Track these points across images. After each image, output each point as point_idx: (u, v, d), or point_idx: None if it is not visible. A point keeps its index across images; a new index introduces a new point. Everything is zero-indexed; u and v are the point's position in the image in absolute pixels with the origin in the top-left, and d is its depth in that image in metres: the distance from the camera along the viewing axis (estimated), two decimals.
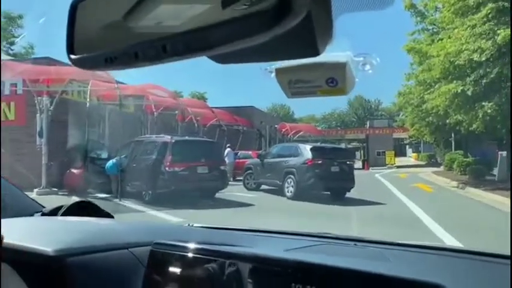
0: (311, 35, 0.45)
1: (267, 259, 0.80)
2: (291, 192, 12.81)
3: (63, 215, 1.28)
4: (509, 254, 0.93)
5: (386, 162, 36.55)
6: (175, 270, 0.85)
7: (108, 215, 1.37)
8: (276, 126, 30.59)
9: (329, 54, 0.57)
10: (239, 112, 25.23)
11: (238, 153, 20.36)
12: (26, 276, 0.81)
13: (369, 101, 67.60)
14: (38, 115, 13.60)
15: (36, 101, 13.45)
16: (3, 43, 34.34)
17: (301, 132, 32.32)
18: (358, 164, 28.48)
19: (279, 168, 13.46)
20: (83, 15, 0.50)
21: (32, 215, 1.32)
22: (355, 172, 13.97)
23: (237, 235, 1.25)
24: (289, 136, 30.80)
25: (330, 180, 12.31)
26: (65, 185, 13.49)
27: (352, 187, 12.88)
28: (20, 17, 36.65)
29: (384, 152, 38.42)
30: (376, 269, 0.73)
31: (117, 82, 15.60)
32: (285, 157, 13.71)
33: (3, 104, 15.06)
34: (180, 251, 0.86)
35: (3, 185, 1.31)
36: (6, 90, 14.94)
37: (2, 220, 0.84)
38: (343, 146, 28.46)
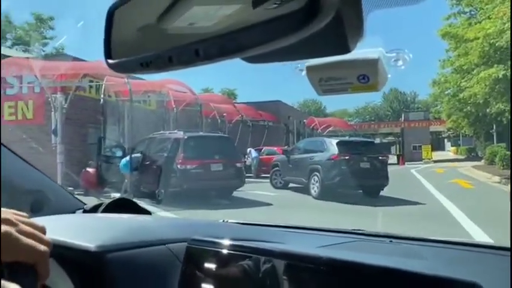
0: (341, 33, 0.45)
1: (301, 256, 0.76)
2: (316, 190, 11.75)
3: (102, 212, 1.31)
4: None
5: (423, 157, 34.92)
6: (210, 266, 0.84)
7: (146, 212, 1.38)
8: (304, 121, 29.60)
9: (360, 51, 0.58)
10: (265, 107, 24.38)
11: (262, 150, 19.59)
12: (68, 270, 0.83)
13: (405, 94, 65.41)
14: (52, 113, 13.33)
15: (50, 99, 13.16)
16: (35, 44, 34.95)
17: (331, 127, 31.17)
18: (393, 159, 27.26)
19: (304, 164, 12.44)
20: (119, 21, 0.52)
21: (73, 212, 1.37)
22: (389, 168, 12.63)
23: (270, 231, 1.25)
24: (318, 131, 29.77)
25: (359, 178, 11.07)
26: (80, 184, 13.16)
27: (385, 185, 11.52)
28: (51, 18, 37.27)
29: (420, 146, 36.78)
30: (411, 266, 0.69)
31: (135, 78, 15.18)
32: (310, 152, 12.64)
33: (21, 103, 14.92)
34: (215, 247, 0.85)
35: (47, 182, 1.38)
36: (24, 89, 14.77)
37: (46, 217, 1.05)
38: (376, 140, 27.14)
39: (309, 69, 0.63)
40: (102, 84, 14.49)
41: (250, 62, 0.51)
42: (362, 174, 11.30)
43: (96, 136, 13.95)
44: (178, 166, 10.77)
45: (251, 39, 0.42)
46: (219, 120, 20.00)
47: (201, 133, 12.23)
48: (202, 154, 10.89)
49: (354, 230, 1.28)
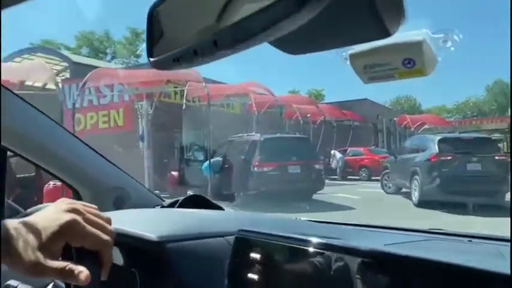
0: (379, 16, 0.44)
1: (359, 250, 0.73)
2: (416, 196, 10.20)
3: (178, 207, 1.37)
4: None
5: None
6: (255, 256, 0.85)
7: (219, 208, 1.41)
8: (394, 119, 27.90)
9: (403, 34, 0.57)
10: (351, 106, 23.39)
11: (348, 151, 18.77)
12: (131, 258, 0.92)
13: None
14: (139, 119, 13.95)
15: (136, 106, 13.79)
16: (131, 56, 37.57)
17: (426, 125, 29.01)
18: None
19: (406, 166, 10.99)
20: (157, 21, 0.54)
21: (153, 207, 1.44)
22: None
23: (337, 229, 1.23)
24: (411, 130, 27.89)
25: (467, 183, 9.18)
26: (166, 188, 13.60)
27: (506, 190, 9.24)
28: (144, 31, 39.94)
29: None
30: (488, 266, 0.64)
31: (216, 82, 15.41)
32: (415, 152, 11.15)
33: (113, 112, 15.87)
34: (263, 238, 0.86)
35: (128, 180, 1.50)
36: (115, 98, 15.71)
37: (123, 210, 1.27)
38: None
39: (353, 56, 0.63)
40: (184, 90, 14.89)
41: (290, 53, 0.52)
42: (468, 178, 9.44)
43: (180, 140, 14.36)
44: (255, 168, 10.63)
45: (255, 26, 0.42)
46: (302, 122, 19.56)
47: (278, 134, 11.93)
48: (279, 156, 10.62)
49: (432, 229, 1.22)
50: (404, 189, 11.69)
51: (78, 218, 0.71)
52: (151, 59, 0.54)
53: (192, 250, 0.91)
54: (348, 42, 0.53)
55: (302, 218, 1.46)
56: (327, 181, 13.43)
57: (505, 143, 38.94)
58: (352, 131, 21.84)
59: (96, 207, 0.80)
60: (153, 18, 0.55)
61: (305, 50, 0.52)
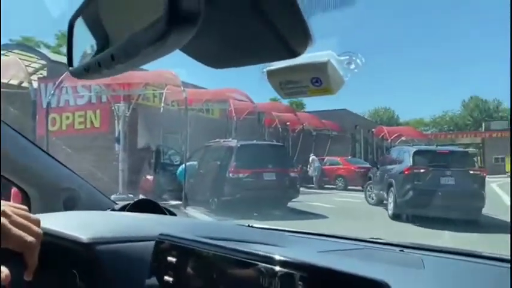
0: (285, 38, 0.48)
1: (270, 258, 0.73)
2: (391, 209, 10.03)
3: (128, 211, 1.36)
4: None
5: (507, 170, 31.96)
6: (172, 261, 0.87)
7: (171, 213, 1.40)
8: (372, 130, 28.29)
9: (311, 54, 0.60)
10: (330, 116, 23.57)
11: (325, 160, 18.90)
12: (60, 259, 0.93)
13: (487, 102, 60.68)
14: (116, 121, 13.78)
15: (113, 108, 13.62)
16: None
17: (403, 137, 29.49)
18: None
19: (384, 178, 10.94)
20: (75, 33, 0.57)
21: (105, 210, 1.43)
22: None
23: (276, 235, 1.24)
24: (389, 141, 28.29)
25: (438, 197, 9.09)
26: (140, 191, 13.42)
27: (481, 206, 9.16)
28: None
29: (504, 158, 33.74)
30: (375, 273, 0.64)
31: (196, 87, 15.36)
32: (393, 163, 11.00)
33: (90, 112, 15.64)
34: (181, 243, 0.87)
35: (80, 182, 1.47)
36: (93, 98, 15.48)
37: (75, 212, 1.29)
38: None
39: (269, 73, 0.66)
40: (163, 93, 14.79)
41: (214, 67, 0.55)
42: (443, 192, 9.23)
43: (155, 144, 14.21)
44: (231, 175, 10.58)
45: (130, 50, 0.45)
46: (281, 129, 19.63)
47: (254, 141, 11.92)
48: (255, 163, 10.61)
49: (371, 238, 1.26)
50: (385, 201, 11.40)
51: (4, 220, 0.72)
52: (70, 68, 0.56)
53: (121, 252, 0.92)
54: (260, 60, 0.57)
55: (255, 225, 1.47)
56: (303, 189, 13.49)
57: (479, 158, 39.91)
58: (331, 141, 22.04)
59: (26, 208, 0.80)
60: (73, 29, 0.57)
61: (225, 64, 0.55)
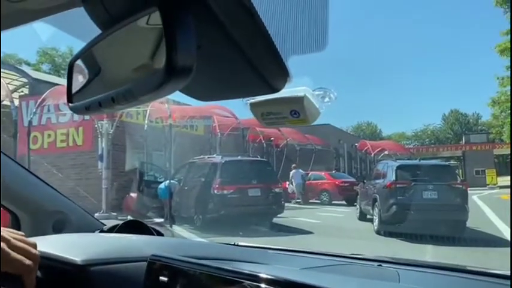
0: (265, 77, 0.55)
1: (254, 276, 0.79)
2: (376, 224, 9.93)
3: (117, 232, 1.38)
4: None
5: (487, 182, 32.46)
6: (164, 280, 0.90)
7: (159, 233, 1.42)
8: (356, 144, 28.60)
9: (290, 90, 0.65)
10: (313, 130, 23.75)
11: (309, 175, 18.97)
12: (56, 281, 0.93)
13: (466, 115, 61.98)
14: (99, 139, 13.66)
15: (96, 125, 13.52)
16: None
17: (386, 151, 29.84)
18: None
19: (369, 193, 10.99)
20: (76, 73, 0.61)
21: (93, 232, 1.45)
22: None
23: (261, 253, 1.28)
24: (372, 155, 28.61)
25: (421, 211, 9.08)
26: (123, 210, 13.26)
27: (464, 220, 9.14)
28: None
29: (484, 170, 34.26)
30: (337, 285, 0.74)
31: (181, 104, 15.34)
32: (378, 178, 10.94)
33: (72, 130, 15.48)
34: (173, 263, 0.91)
35: (69, 205, 1.50)
36: (76, 116, 15.33)
37: (67, 235, 1.31)
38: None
39: (252, 105, 0.72)
40: (147, 110, 14.74)
41: (201, 100, 0.61)
42: (426, 206, 9.24)
43: (139, 161, 14.11)
44: (215, 191, 10.53)
45: (129, 96, 0.50)
46: (265, 145, 19.70)
47: (239, 157, 11.93)
48: (240, 179, 10.61)
49: (351, 254, 1.30)
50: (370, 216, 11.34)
51: (3, 244, 0.74)
52: (70, 104, 0.60)
53: (113, 273, 0.94)
54: (243, 95, 0.64)
55: (240, 243, 1.49)
56: (288, 204, 13.48)
57: (460, 170, 40.51)
58: (315, 155, 22.15)
59: (22, 233, 0.83)
60: (72, 69, 0.61)
61: (211, 98, 0.60)
